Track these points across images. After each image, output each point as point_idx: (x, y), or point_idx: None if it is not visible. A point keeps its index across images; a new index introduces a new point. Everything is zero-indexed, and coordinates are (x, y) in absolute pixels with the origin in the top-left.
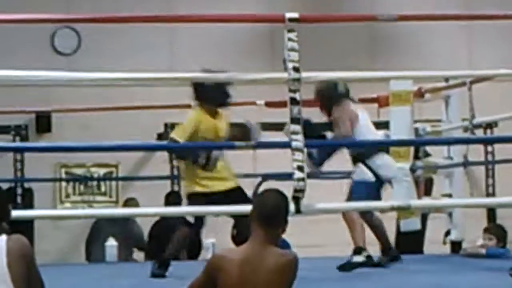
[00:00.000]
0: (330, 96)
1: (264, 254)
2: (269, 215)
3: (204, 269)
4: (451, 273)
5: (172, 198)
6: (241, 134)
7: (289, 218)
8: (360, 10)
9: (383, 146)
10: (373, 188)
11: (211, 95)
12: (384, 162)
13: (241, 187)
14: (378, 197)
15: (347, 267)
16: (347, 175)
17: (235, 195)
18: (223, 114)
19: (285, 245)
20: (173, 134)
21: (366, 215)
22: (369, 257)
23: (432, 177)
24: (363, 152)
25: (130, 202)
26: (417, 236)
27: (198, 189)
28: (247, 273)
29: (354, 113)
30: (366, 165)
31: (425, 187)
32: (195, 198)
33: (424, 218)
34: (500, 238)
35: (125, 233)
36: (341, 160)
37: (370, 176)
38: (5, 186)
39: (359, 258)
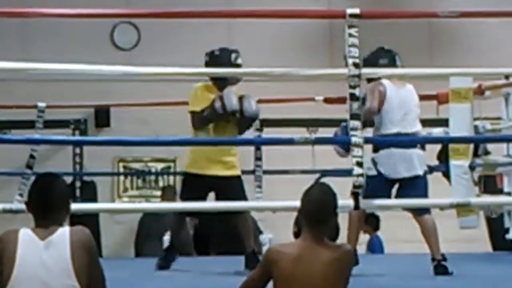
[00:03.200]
0: (371, 66)
1: (317, 248)
2: (315, 211)
3: (260, 263)
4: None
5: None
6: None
7: None
8: (418, 5)
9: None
10: (374, 184)
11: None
12: (387, 159)
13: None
14: (384, 194)
15: None
16: None
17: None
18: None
19: (377, 243)
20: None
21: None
22: None
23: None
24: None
25: (166, 190)
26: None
27: (193, 170)
28: (303, 267)
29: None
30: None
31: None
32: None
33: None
34: None
35: None
36: None
37: (372, 171)
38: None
39: None
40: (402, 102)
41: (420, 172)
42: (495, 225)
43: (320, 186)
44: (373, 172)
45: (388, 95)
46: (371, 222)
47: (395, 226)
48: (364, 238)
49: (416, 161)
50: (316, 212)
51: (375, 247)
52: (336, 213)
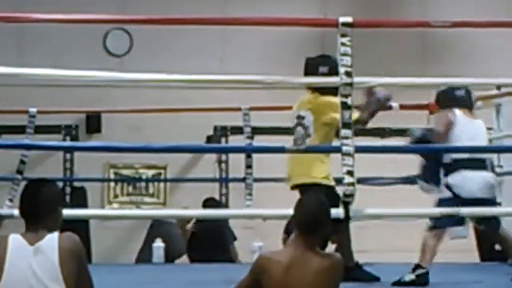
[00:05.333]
0: (445, 98)
1: (308, 257)
2: (307, 222)
3: (250, 270)
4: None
5: (210, 204)
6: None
7: None
8: (412, 14)
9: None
10: (449, 205)
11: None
12: (462, 181)
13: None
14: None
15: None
16: (397, 180)
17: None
18: None
19: None
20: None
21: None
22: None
23: None
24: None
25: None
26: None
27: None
28: (293, 276)
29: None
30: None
31: None
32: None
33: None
34: None
35: (172, 236)
36: (392, 166)
37: (446, 194)
38: None
39: (411, 276)
40: (474, 134)
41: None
42: (483, 236)
43: (314, 196)
44: (447, 195)
45: (458, 121)
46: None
47: (382, 236)
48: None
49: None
50: (310, 221)
51: None
52: (328, 225)
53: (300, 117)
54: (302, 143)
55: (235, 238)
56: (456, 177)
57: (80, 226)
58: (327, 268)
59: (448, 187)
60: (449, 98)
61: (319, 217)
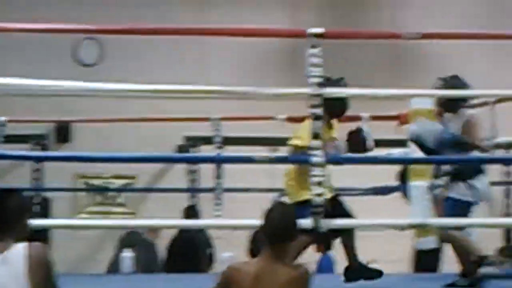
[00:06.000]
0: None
1: (276, 268)
2: (275, 231)
3: (218, 280)
4: None
5: (191, 212)
6: (355, 141)
7: None
8: (383, 24)
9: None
10: (467, 209)
11: (330, 106)
12: (483, 185)
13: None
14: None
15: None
16: (369, 191)
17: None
18: (336, 125)
19: (328, 262)
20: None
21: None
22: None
23: None
24: (467, 169)
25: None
26: (434, 255)
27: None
28: (260, 287)
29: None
30: (467, 183)
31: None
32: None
33: None
34: None
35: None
36: (365, 177)
37: (468, 196)
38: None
39: (462, 281)
40: None
41: None
42: None
43: (282, 206)
44: (469, 197)
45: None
46: (324, 240)
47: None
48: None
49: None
50: (278, 231)
51: (323, 266)
52: (297, 232)
53: None
54: None
55: (209, 246)
56: (483, 181)
57: (42, 236)
58: (294, 279)
59: (471, 188)
60: (461, 100)
61: (286, 228)
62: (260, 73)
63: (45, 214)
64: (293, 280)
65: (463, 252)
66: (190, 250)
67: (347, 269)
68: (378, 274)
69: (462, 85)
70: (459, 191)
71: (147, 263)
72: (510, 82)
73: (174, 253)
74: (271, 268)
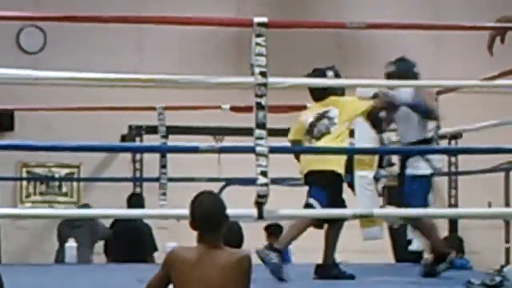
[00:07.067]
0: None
1: (215, 253)
2: (206, 219)
3: (161, 265)
4: (410, 284)
5: (134, 200)
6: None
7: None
8: (327, 14)
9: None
10: (431, 182)
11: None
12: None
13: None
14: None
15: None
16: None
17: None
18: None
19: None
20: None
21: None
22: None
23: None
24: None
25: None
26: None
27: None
28: (200, 271)
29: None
30: (422, 157)
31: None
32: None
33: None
34: (457, 249)
35: (88, 234)
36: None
37: (428, 169)
38: None
39: (443, 266)
40: None
41: None
42: (397, 236)
43: (208, 194)
44: (429, 170)
45: None
46: (277, 231)
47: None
48: None
49: None
50: (208, 219)
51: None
52: (227, 218)
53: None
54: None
55: (151, 235)
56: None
57: None
58: (234, 264)
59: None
60: (412, 73)
61: (215, 214)
62: (206, 63)
63: None
64: (232, 265)
65: (435, 238)
66: (134, 239)
67: (320, 266)
68: (350, 277)
69: (412, 66)
70: (418, 166)
71: (92, 238)
72: (453, 73)
73: (117, 239)
74: (209, 254)
